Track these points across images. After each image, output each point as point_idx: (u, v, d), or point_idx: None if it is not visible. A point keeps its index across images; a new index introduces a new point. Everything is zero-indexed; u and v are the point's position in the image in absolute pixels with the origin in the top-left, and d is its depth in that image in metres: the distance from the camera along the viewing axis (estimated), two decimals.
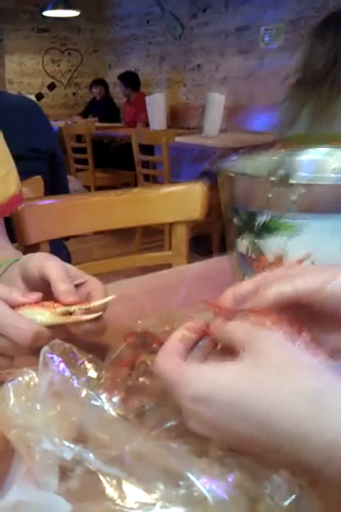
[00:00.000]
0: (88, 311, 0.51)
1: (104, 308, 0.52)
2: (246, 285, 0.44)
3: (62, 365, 0.37)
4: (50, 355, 0.38)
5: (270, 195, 0.58)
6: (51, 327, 0.50)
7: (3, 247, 0.82)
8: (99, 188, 4.16)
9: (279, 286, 0.39)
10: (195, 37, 5.43)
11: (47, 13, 5.02)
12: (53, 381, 0.36)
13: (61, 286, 0.52)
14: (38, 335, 0.48)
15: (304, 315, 0.40)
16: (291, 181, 0.56)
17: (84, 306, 0.51)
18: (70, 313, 0.51)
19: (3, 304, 0.49)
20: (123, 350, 0.52)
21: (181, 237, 1.23)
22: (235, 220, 0.66)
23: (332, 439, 0.30)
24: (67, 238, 1.54)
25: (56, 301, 0.51)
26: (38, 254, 0.59)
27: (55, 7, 4.89)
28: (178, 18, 5.49)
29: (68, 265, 0.57)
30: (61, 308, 0.51)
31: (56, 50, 6.50)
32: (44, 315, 0.50)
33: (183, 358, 0.39)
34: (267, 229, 0.61)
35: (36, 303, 0.51)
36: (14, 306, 0.50)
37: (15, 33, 6.14)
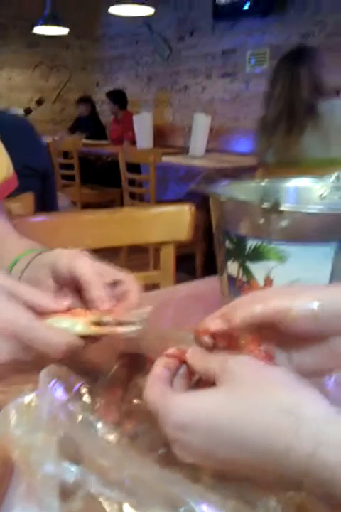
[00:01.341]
0: (122, 322, 0.47)
1: (140, 319, 0.48)
2: (224, 310, 0.43)
3: (59, 390, 0.38)
4: (48, 379, 0.39)
5: (261, 221, 0.60)
6: (82, 336, 0.46)
7: (10, 234, 0.79)
8: (86, 205, 4.16)
9: (244, 309, 0.40)
10: (183, 59, 5.51)
11: (38, 29, 5.05)
12: (53, 404, 0.36)
13: (94, 292, 0.49)
14: (70, 346, 0.45)
15: (275, 337, 0.41)
16: (282, 208, 0.58)
17: (119, 318, 0.47)
18: (101, 321, 0.47)
19: (32, 318, 0.45)
20: (117, 370, 0.52)
21: (168, 257, 1.25)
22: (226, 243, 0.68)
23: (312, 450, 0.31)
24: None
25: (88, 307, 0.48)
26: (66, 252, 0.55)
27: (45, 23, 4.93)
28: (166, 39, 5.57)
29: (101, 264, 0.54)
30: (94, 317, 0.47)
31: (45, 65, 6.53)
32: (77, 325, 0.46)
33: (169, 383, 0.39)
34: (257, 254, 0.63)
35: (66, 311, 0.47)
36: (45, 313, 0.47)
37: (5, 47, 6.15)
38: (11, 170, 0.86)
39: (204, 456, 0.35)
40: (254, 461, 0.33)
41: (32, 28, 5.13)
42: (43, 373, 0.40)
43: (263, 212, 0.59)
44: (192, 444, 0.35)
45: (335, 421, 0.32)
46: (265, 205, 0.59)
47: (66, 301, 0.48)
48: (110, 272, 0.55)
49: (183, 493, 0.30)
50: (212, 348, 0.42)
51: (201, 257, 3.44)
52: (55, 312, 0.47)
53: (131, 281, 0.54)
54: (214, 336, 0.42)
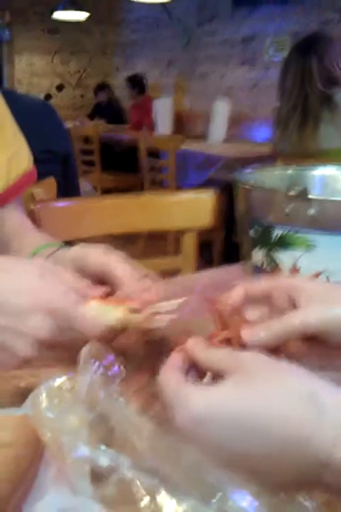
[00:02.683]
0: (156, 312, 0.48)
1: (173, 309, 0.49)
2: (260, 286, 0.45)
3: (100, 369, 0.38)
4: (89, 357, 0.39)
5: (287, 210, 0.60)
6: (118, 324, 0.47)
7: (28, 228, 0.80)
8: (106, 190, 4.17)
9: (287, 321, 0.41)
10: (202, 45, 5.45)
11: (57, 14, 5.04)
12: (92, 384, 0.36)
13: (131, 284, 0.49)
14: (106, 330, 0.45)
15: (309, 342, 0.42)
16: (310, 196, 0.57)
17: (154, 307, 0.49)
18: (135, 310, 0.48)
19: (73, 298, 0.46)
20: (144, 355, 0.52)
21: (190, 243, 1.24)
22: (251, 232, 0.67)
23: (334, 436, 0.31)
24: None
25: (121, 299, 0.49)
26: (93, 247, 0.56)
27: (65, 8, 4.92)
28: (185, 25, 5.51)
29: (126, 259, 0.55)
30: (128, 306, 0.48)
31: (65, 51, 6.52)
32: (112, 311, 0.47)
33: (183, 374, 0.39)
34: (283, 242, 0.62)
35: (103, 298, 0.48)
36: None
37: (26, 33, 6.16)
38: (32, 162, 0.86)
39: (218, 449, 0.34)
40: (273, 452, 0.32)
41: (52, 13, 5.12)
42: (85, 351, 0.39)
43: (291, 200, 0.59)
44: (205, 437, 0.34)
45: None
46: (293, 192, 0.58)
47: (102, 288, 0.48)
48: (137, 267, 0.55)
49: (218, 481, 0.30)
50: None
51: (219, 244, 3.42)
52: (91, 298, 0.47)
53: (155, 279, 0.55)
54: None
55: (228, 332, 0.44)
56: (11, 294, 0.45)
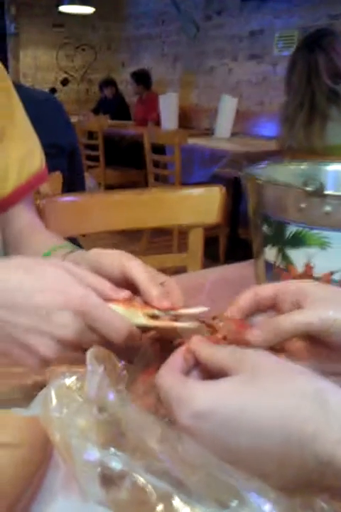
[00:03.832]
0: (177, 317, 0.48)
1: (193, 317, 0.49)
2: (267, 291, 0.46)
3: (106, 372, 0.37)
4: (95, 360, 0.38)
5: (303, 205, 0.58)
6: (139, 327, 0.47)
7: (39, 228, 0.80)
8: (109, 186, 4.16)
9: (290, 320, 0.42)
10: (209, 39, 5.42)
11: (63, 8, 5.02)
12: (101, 386, 0.35)
13: (153, 291, 0.49)
14: (130, 334, 0.45)
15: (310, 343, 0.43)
16: (327, 192, 0.56)
17: (173, 312, 0.49)
18: (156, 317, 0.48)
19: (99, 298, 0.46)
20: (150, 354, 0.51)
21: (197, 240, 1.23)
22: (264, 228, 0.66)
23: (338, 436, 0.31)
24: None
25: (145, 302, 0.49)
26: (111, 252, 0.55)
27: (71, 2, 4.90)
28: (193, 19, 5.48)
29: (144, 264, 0.54)
30: (149, 311, 0.48)
31: (70, 45, 6.51)
32: (135, 316, 0.47)
33: (184, 373, 0.39)
34: (298, 239, 0.61)
35: (125, 301, 0.48)
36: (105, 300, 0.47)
37: (31, 27, 6.15)
38: (44, 162, 0.85)
39: (219, 446, 0.33)
40: (275, 450, 0.32)
41: (57, 7, 5.11)
42: (90, 354, 0.39)
43: (306, 196, 0.57)
44: (207, 433, 0.33)
45: None
46: (308, 188, 0.57)
47: (125, 292, 0.48)
48: (156, 274, 0.55)
49: (235, 486, 0.29)
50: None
51: (224, 241, 3.41)
52: (113, 301, 0.47)
53: (173, 284, 0.54)
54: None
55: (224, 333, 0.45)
56: (35, 294, 0.44)
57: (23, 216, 0.81)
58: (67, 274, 0.46)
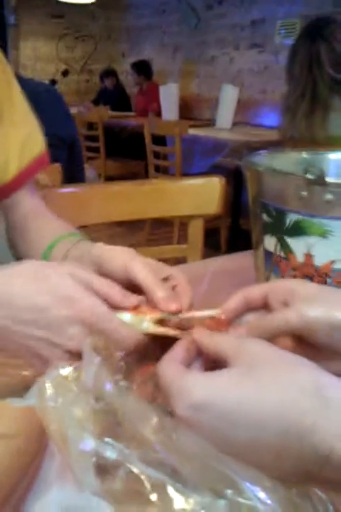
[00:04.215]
0: (188, 320, 0.48)
1: (204, 320, 0.48)
2: (257, 291, 0.47)
3: (103, 362, 0.37)
4: (91, 350, 0.37)
5: (304, 194, 0.57)
6: (146, 334, 0.47)
7: (44, 214, 0.80)
8: (110, 177, 4.15)
9: (270, 320, 0.43)
10: (210, 28, 5.38)
11: None
12: (98, 376, 0.35)
13: (159, 293, 0.48)
14: (139, 342, 0.46)
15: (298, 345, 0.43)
16: (328, 180, 0.55)
17: (183, 315, 0.48)
18: (163, 321, 0.48)
19: (107, 309, 0.46)
20: (148, 346, 0.51)
21: (197, 230, 1.22)
22: (263, 217, 0.65)
23: (337, 429, 0.31)
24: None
25: (152, 306, 0.48)
26: (115, 250, 0.55)
27: None
28: (194, 8, 5.43)
29: (150, 260, 0.54)
30: (158, 315, 0.48)
31: (70, 36, 6.47)
32: (143, 322, 0.47)
33: (184, 364, 0.39)
34: (298, 228, 0.60)
35: (133, 308, 0.48)
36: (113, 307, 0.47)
37: (31, 18, 6.11)
38: (44, 146, 0.84)
39: (217, 438, 0.33)
40: (273, 443, 0.32)
41: None
42: (87, 344, 0.38)
43: (307, 184, 0.56)
44: (205, 425, 0.33)
45: None
46: (309, 176, 0.56)
47: (135, 299, 0.48)
48: (161, 267, 0.55)
49: (230, 475, 0.29)
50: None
51: (225, 231, 3.40)
52: (126, 308, 0.48)
53: (180, 277, 0.54)
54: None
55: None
56: (44, 306, 0.45)
57: (27, 201, 0.81)
58: (73, 281, 0.46)
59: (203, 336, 0.40)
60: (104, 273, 0.53)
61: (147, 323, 0.47)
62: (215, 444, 0.33)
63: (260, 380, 0.33)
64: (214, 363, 0.39)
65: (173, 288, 0.52)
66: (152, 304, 0.49)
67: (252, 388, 0.33)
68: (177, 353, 0.40)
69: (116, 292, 0.48)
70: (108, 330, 0.45)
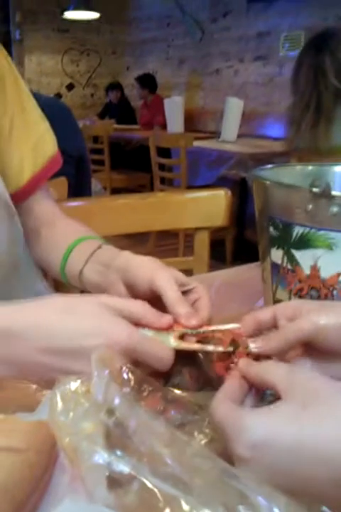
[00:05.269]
0: (209, 335, 0.49)
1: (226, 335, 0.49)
2: (266, 312, 0.47)
3: (112, 376, 0.37)
4: (100, 364, 0.38)
5: (309, 207, 0.58)
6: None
7: (60, 217, 0.80)
8: (115, 190, 4.17)
9: (281, 334, 0.43)
10: (215, 41, 5.42)
11: (68, 14, 5.04)
12: (107, 389, 0.35)
13: (180, 309, 0.49)
14: (171, 360, 0.46)
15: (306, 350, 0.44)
16: (334, 193, 0.55)
17: (203, 330, 0.49)
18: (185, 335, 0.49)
19: (142, 333, 0.47)
20: None
21: (203, 242, 1.23)
22: (270, 230, 0.65)
23: None
24: None
25: (174, 321, 0.49)
26: (144, 260, 0.56)
27: (76, 8, 4.92)
28: (198, 21, 5.48)
29: (174, 271, 0.55)
30: (180, 331, 0.49)
31: (75, 50, 6.53)
32: (169, 339, 0.47)
33: (238, 401, 0.39)
34: (304, 241, 0.60)
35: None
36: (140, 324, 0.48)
37: (36, 33, 6.18)
38: (56, 146, 0.85)
39: (279, 474, 0.33)
40: (335, 477, 0.32)
41: (62, 13, 5.13)
42: (94, 358, 0.39)
43: (313, 197, 0.57)
44: (266, 463, 0.33)
45: None
46: (315, 189, 0.56)
47: (167, 319, 0.49)
48: (184, 280, 0.55)
49: (244, 491, 0.29)
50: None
51: (231, 243, 3.41)
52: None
53: (202, 290, 0.54)
54: None
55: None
56: (81, 338, 0.45)
57: (44, 204, 0.81)
58: (106, 310, 0.47)
59: (250, 367, 0.41)
60: (128, 281, 0.54)
61: (170, 340, 0.47)
62: (275, 481, 0.33)
63: (317, 415, 0.34)
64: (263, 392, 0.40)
65: (195, 301, 0.53)
66: (174, 317, 0.49)
67: (310, 424, 0.33)
68: (228, 390, 0.40)
69: (150, 314, 0.48)
70: (147, 354, 0.45)
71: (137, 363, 0.45)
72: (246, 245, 3.28)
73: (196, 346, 0.48)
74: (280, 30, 4.71)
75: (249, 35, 5.04)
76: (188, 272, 1.21)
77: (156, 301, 0.51)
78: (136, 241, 3.59)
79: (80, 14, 5.09)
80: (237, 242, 3.44)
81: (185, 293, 0.53)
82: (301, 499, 0.32)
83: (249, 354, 0.44)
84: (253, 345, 0.44)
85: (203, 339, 0.49)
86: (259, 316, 0.47)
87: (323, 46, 2.21)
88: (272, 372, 0.39)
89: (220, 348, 0.47)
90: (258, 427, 0.34)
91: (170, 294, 0.50)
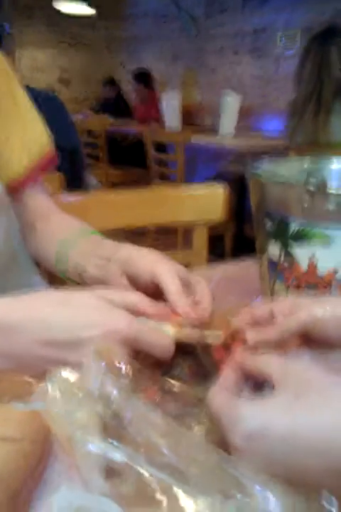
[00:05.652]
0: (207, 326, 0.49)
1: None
2: (263, 309, 0.48)
3: (106, 368, 0.37)
4: (96, 355, 0.38)
5: (306, 203, 0.58)
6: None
7: (55, 211, 0.81)
8: (112, 185, 4.15)
9: (282, 323, 0.44)
10: (211, 37, 5.41)
11: (65, 8, 4.99)
12: (104, 380, 0.35)
13: (180, 302, 0.50)
14: (172, 348, 0.47)
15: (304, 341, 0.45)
16: (329, 190, 0.55)
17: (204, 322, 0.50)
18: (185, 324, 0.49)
19: (141, 321, 0.47)
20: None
21: (201, 238, 1.23)
22: (267, 225, 0.65)
23: None
24: None
25: (173, 311, 0.50)
26: (146, 252, 0.56)
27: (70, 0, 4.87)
28: (194, 17, 5.47)
29: (176, 264, 0.55)
30: (178, 320, 0.49)
31: (69, 45, 6.49)
32: (169, 328, 0.48)
33: (235, 390, 0.39)
34: (301, 236, 0.60)
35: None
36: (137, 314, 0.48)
37: (29, 27, 6.13)
38: (51, 144, 0.85)
39: (275, 464, 0.34)
40: (331, 467, 0.32)
41: (57, 8, 5.09)
42: (92, 350, 0.39)
43: (309, 193, 0.57)
44: (261, 453, 0.34)
45: None
46: (311, 185, 0.56)
47: (163, 308, 0.49)
48: (185, 273, 0.55)
49: (240, 479, 0.29)
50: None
51: (230, 238, 3.41)
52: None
53: (203, 285, 0.54)
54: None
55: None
56: (78, 329, 0.45)
57: (39, 198, 0.81)
58: (104, 302, 0.47)
59: (246, 358, 0.41)
60: (129, 273, 0.54)
61: (168, 329, 0.48)
62: (273, 471, 0.33)
63: (309, 405, 0.34)
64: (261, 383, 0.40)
65: (195, 296, 0.53)
66: (173, 309, 0.50)
67: (302, 414, 0.33)
68: (225, 381, 0.40)
69: (148, 305, 0.49)
70: (147, 342, 0.45)
71: (137, 352, 0.46)
72: (246, 241, 3.28)
73: (195, 336, 0.48)
74: (276, 27, 4.71)
75: (245, 31, 5.03)
76: (187, 267, 1.21)
77: (158, 293, 0.52)
78: (132, 235, 3.59)
79: (73, 7, 5.03)
80: (236, 238, 3.44)
81: (185, 287, 0.53)
82: (299, 489, 0.32)
83: (246, 345, 0.45)
84: (252, 337, 0.45)
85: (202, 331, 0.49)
86: (256, 313, 0.48)
87: (330, 39, 2.23)
88: (268, 363, 0.39)
89: (219, 338, 0.47)
90: (253, 417, 0.34)
91: (171, 286, 0.50)
